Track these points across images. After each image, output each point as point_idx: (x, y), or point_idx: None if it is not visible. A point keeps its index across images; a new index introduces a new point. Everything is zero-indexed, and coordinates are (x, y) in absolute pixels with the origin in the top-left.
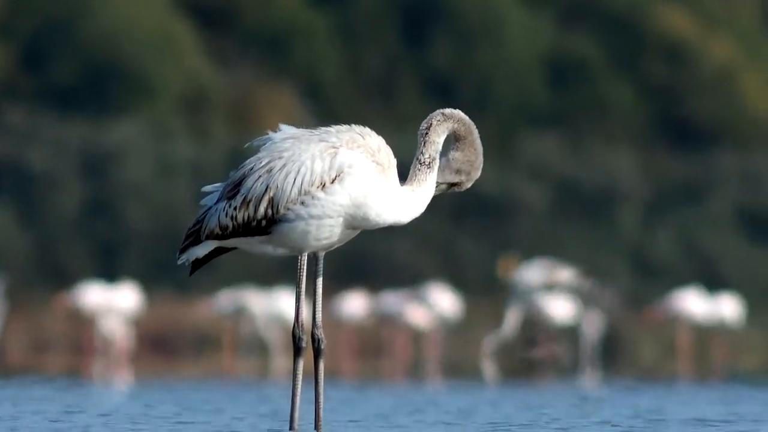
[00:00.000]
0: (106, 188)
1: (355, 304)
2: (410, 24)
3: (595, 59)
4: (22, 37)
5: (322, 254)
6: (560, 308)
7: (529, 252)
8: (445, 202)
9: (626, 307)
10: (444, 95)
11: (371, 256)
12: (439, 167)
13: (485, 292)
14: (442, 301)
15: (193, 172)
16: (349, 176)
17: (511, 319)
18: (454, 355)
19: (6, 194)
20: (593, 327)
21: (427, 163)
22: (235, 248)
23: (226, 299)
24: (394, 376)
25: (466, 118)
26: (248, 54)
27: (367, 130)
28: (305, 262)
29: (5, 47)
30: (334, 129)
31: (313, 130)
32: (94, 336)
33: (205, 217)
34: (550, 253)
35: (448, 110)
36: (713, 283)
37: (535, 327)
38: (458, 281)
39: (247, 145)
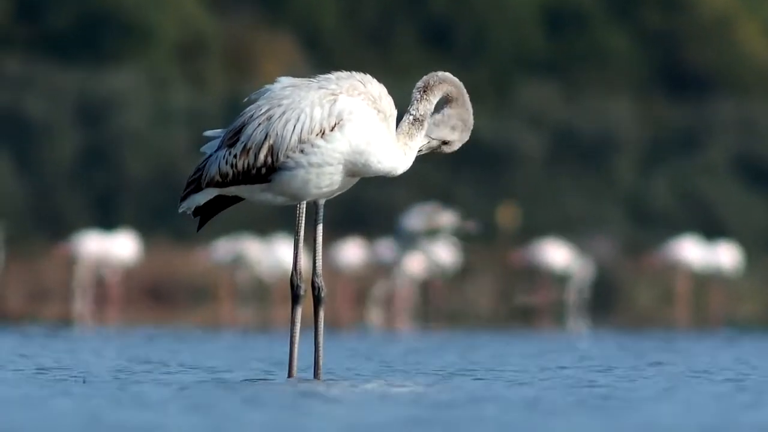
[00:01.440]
0: (103, 136)
1: (352, 252)
2: None
3: (593, 7)
4: None
5: (322, 202)
6: (558, 255)
7: (527, 199)
8: None
9: (624, 255)
10: (441, 43)
11: (368, 205)
12: (435, 123)
13: (484, 239)
14: (440, 249)
15: (190, 120)
16: (349, 123)
17: (400, 266)
18: (452, 303)
19: (3, 143)
20: (584, 274)
21: (420, 120)
22: (237, 198)
23: (224, 248)
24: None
25: (458, 80)
26: (245, 1)
27: (369, 77)
28: (304, 209)
29: None
30: (334, 76)
31: (312, 79)
32: (80, 282)
33: (205, 164)
34: (548, 201)
35: (441, 73)
36: (711, 231)
37: (533, 274)
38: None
39: (246, 99)
